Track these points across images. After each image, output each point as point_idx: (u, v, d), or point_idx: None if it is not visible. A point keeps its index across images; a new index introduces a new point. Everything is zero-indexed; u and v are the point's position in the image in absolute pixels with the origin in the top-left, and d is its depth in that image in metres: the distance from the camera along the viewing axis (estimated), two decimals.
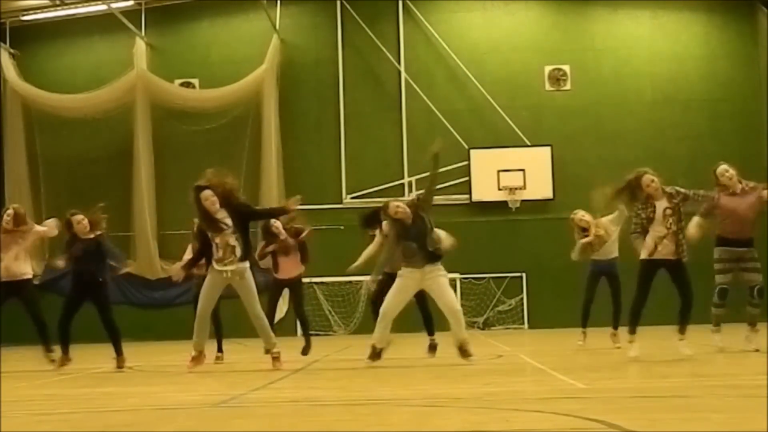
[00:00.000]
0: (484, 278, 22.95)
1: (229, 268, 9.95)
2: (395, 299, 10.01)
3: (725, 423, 4.90)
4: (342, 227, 22.72)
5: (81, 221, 11.01)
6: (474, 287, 22.89)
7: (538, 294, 22.87)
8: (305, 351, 12.30)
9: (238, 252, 9.93)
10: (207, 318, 10.30)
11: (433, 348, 11.64)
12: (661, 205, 9.83)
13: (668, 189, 9.92)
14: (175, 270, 11.54)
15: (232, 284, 10.11)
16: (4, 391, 7.98)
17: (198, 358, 10.24)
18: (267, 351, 10.31)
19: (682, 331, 9.98)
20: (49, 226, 11.44)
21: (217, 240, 9.93)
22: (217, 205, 9.84)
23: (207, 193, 9.83)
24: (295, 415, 5.94)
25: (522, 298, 23.08)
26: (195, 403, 6.87)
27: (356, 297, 22.79)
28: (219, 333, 12.52)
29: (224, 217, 9.89)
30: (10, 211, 11.33)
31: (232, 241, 9.93)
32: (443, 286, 10.00)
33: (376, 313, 10.81)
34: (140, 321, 22.31)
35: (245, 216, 10.16)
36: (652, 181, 9.87)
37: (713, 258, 10.57)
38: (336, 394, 7.19)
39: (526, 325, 22.90)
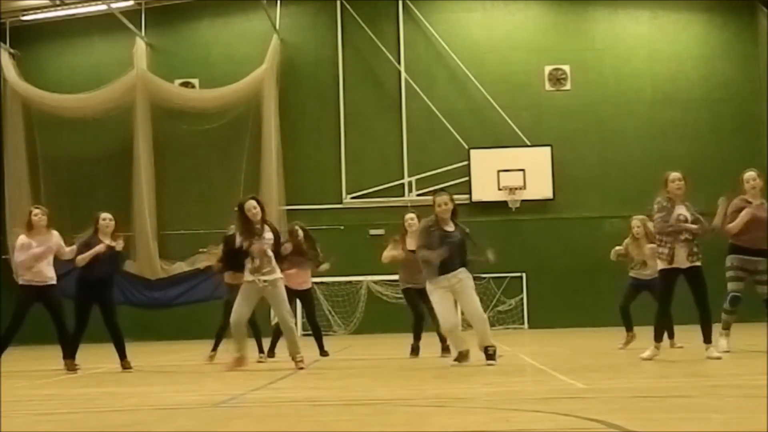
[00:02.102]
0: (484, 278, 22.91)
1: (266, 277, 10.20)
2: (445, 311, 10.03)
3: (725, 423, 4.90)
4: (342, 227, 22.74)
5: (110, 221, 11.10)
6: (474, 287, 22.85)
7: (538, 294, 22.86)
8: (323, 353, 12.45)
9: (274, 263, 10.26)
10: (243, 327, 10.44)
11: (415, 350, 11.76)
12: (678, 209, 9.73)
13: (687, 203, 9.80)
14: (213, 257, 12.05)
15: (265, 294, 10.32)
16: (4, 391, 7.99)
17: (240, 360, 10.39)
18: (291, 356, 10.43)
19: (707, 340, 9.76)
20: (70, 251, 11.36)
21: (254, 249, 10.16)
22: (259, 217, 10.21)
23: (251, 203, 10.25)
24: (295, 415, 5.94)
25: (522, 298, 23.06)
26: (195, 403, 6.87)
27: (356, 297, 22.79)
28: (258, 336, 12.58)
29: (264, 230, 10.23)
30: (38, 211, 11.32)
31: (270, 251, 10.23)
32: (468, 292, 10.02)
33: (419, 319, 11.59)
34: (140, 321, 22.30)
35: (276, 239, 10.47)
36: (680, 180, 9.74)
37: (725, 265, 10.50)
38: (336, 394, 7.19)
39: (526, 325, 22.88)
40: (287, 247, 10.97)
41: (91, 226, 11.18)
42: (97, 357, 13.19)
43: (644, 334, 11.12)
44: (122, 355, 11.11)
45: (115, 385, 9.09)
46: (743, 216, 10.23)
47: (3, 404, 6.72)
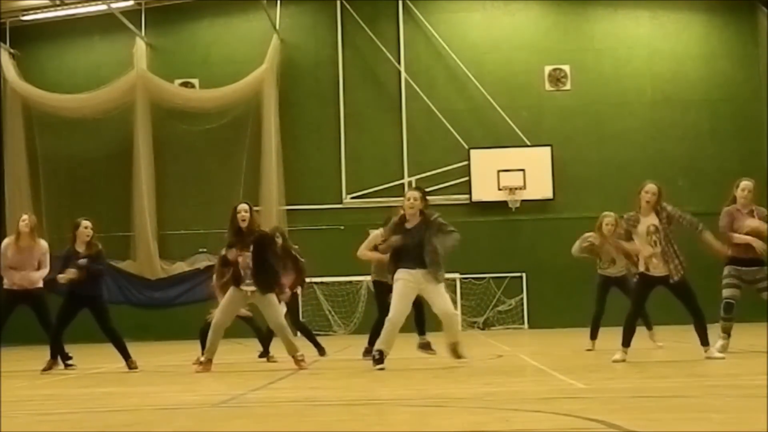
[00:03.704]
0: (484, 278, 22.94)
1: (250, 288, 10.13)
2: (400, 306, 9.74)
3: (725, 423, 4.90)
4: (342, 227, 22.74)
5: (90, 230, 10.98)
6: (474, 287, 22.88)
7: (538, 294, 22.86)
8: (321, 352, 12.41)
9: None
10: (222, 331, 10.32)
11: (424, 346, 11.63)
12: (647, 221, 9.60)
13: (658, 207, 9.63)
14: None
15: (254, 301, 10.28)
16: (4, 391, 7.99)
17: (207, 364, 10.26)
18: (291, 356, 10.35)
19: (704, 343, 9.73)
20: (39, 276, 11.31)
21: (240, 261, 10.13)
22: (246, 223, 10.09)
23: (242, 206, 10.19)
24: (295, 415, 5.94)
25: (522, 298, 23.07)
26: (195, 403, 6.87)
27: (356, 297, 22.78)
28: (261, 335, 12.54)
29: (248, 242, 10.13)
30: (26, 217, 11.32)
31: (251, 263, 10.13)
32: (438, 289, 9.77)
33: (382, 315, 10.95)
34: (140, 321, 22.32)
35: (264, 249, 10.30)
36: (653, 194, 9.59)
37: (722, 274, 10.45)
38: (336, 394, 7.19)
39: (526, 325, 22.89)
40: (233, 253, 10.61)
41: (70, 233, 11.05)
42: (97, 357, 13.20)
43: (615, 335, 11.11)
44: (126, 356, 11.08)
45: (115, 385, 9.09)
46: (744, 238, 10.20)
47: (3, 404, 6.72)
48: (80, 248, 10.95)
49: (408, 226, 9.79)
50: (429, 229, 9.74)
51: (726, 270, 10.44)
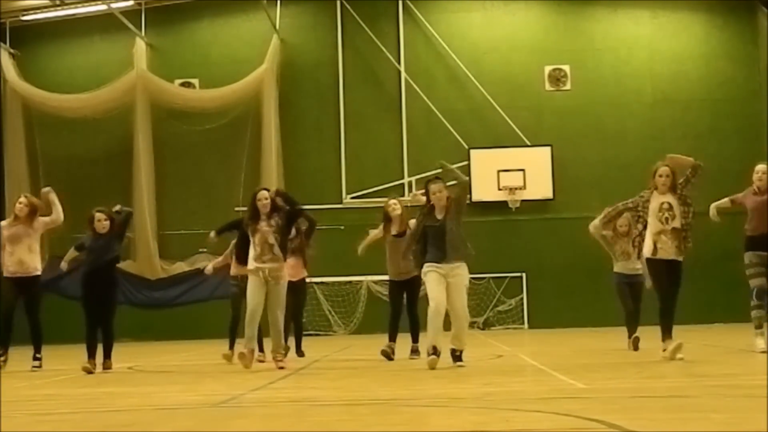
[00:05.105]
0: (484, 278, 22.92)
1: (266, 266, 10.17)
2: (438, 294, 9.56)
3: (725, 423, 4.90)
4: (342, 227, 22.73)
5: (101, 220, 10.93)
6: (474, 287, 22.77)
7: (538, 294, 22.86)
8: (300, 352, 12.46)
9: (276, 251, 10.24)
10: (258, 315, 10.35)
11: (415, 351, 11.66)
12: (662, 198, 9.77)
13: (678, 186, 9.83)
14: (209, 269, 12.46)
15: (267, 288, 10.26)
16: (4, 391, 7.99)
17: (251, 354, 10.31)
18: (272, 353, 10.41)
19: (665, 339, 9.73)
20: (56, 214, 11.37)
21: (257, 238, 10.21)
22: (268, 209, 10.28)
23: (262, 194, 10.38)
24: (295, 415, 5.94)
25: (522, 298, 23.07)
26: (195, 403, 6.87)
27: (356, 297, 22.78)
28: (260, 334, 12.55)
29: (271, 217, 10.28)
30: (23, 200, 11.35)
31: (271, 239, 10.23)
32: (460, 288, 9.72)
33: (394, 314, 11.49)
34: (140, 321, 22.34)
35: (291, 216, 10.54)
36: (667, 176, 9.79)
37: (744, 263, 10.45)
38: (336, 394, 7.20)
39: (526, 325, 22.90)
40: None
41: (87, 227, 11.03)
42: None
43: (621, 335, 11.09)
44: (107, 355, 11.00)
45: (115, 385, 9.09)
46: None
47: (3, 404, 6.72)
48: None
49: (439, 217, 9.79)
50: (458, 215, 9.78)
51: (747, 258, 10.40)
